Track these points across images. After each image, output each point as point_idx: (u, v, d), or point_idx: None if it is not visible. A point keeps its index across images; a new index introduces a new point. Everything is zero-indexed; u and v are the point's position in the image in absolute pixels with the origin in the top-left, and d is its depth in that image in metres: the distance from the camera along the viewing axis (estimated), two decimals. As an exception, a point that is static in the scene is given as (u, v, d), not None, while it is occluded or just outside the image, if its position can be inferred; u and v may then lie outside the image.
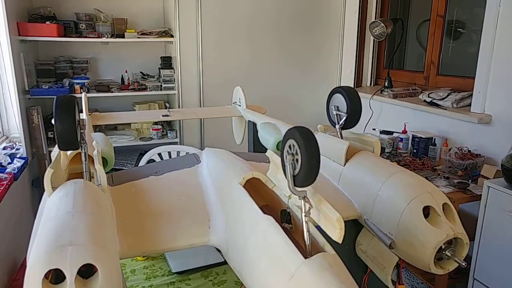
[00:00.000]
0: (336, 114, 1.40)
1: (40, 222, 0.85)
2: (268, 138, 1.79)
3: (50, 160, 2.56)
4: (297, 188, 0.85)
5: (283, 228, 0.87)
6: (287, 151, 0.85)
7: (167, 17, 3.31)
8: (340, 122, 1.39)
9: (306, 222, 0.84)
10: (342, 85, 3.65)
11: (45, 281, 0.71)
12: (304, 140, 0.80)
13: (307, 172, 0.80)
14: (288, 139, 0.85)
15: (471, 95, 2.49)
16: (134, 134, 3.22)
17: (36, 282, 0.69)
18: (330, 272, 0.73)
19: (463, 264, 1.05)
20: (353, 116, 1.37)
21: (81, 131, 1.10)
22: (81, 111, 2.08)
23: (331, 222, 0.82)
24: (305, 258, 0.76)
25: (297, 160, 0.82)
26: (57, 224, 0.79)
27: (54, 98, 1.05)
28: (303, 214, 0.85)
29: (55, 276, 0.74)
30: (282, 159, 0.89)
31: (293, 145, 0.83)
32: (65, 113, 1.01)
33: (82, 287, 0.73)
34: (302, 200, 0.85)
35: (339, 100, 1.40)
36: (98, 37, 2.95)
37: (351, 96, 1.35)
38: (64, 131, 1.01)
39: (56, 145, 1.46)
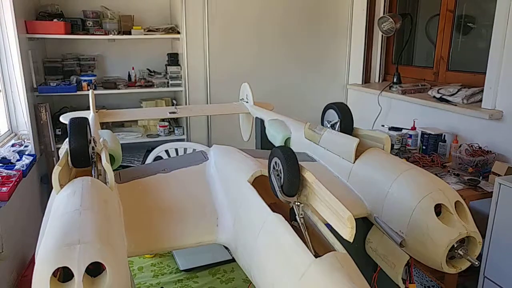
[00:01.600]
0: (331, 125, 1.48)
1: (48, 220, 0.85)
2: (276, 135, 1.78)
3: (58, 157, 2.57)
4: (287, 197, 0.97)
5: (292, 226, 0.86)
6: (273, 168, 1.00)
7: (173, 13, 3.30)
8: (336, 130, 1.46)
9: (302, 224, 0.92)
10: (350, 80, 3.65)
11: (53, 279, 0.70)
12: (285, 157, 0.95)
13: (289, 183, 0.95)
14: (273, 157, 1.00)
15: (482, 91, 2.45)
16: (141, 131, 3.23)
17: (44, 281, 0.69)
18: (341, 272, 0.71)
19: (476, 263, 1.03)
20: (346, 123, 1.43)
21: (93, 150, 1.15)
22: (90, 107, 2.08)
23: (342, 221, 0.81)
24: (316, 257, 0.75)
25: (281, 171, 0.96)
26: (64, 222, 0.79)
27: (68, 120, 1.13)
28: (298, 217, 0.93)
29: (63, 274, 0.73)
30: (269, 175, 1.02)
31: (277, 162, 0.98)
32: (78, 134, 1.08)
33: (90, 286, 0.72)
34: (294, 205, 0.95)
35: (332, 116, 1.48)
36: (105, 34, 2.95)
37: (342, 109, 1.44)
38: (77, 151, 1.08)
39: (65, 142, 1.46)
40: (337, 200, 0.84)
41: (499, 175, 2.06)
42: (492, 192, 1.97)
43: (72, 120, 1.12)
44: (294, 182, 0.94)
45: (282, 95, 3.45)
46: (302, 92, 3.59)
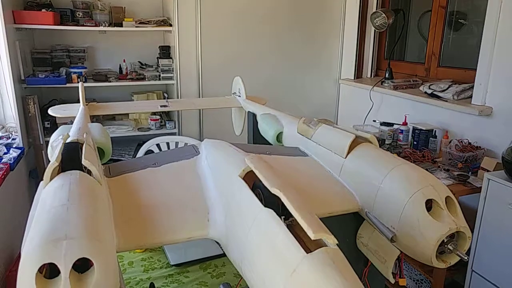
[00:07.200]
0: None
1: (34, 214, 0.83)
2: (268, 130, 1.77)
3: (47, 150, 2.53)
4: None
5: (284, 221, 0.86)
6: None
7: (165, 6, 3.26)
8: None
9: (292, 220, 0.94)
10: (342, 75, 3.65)
11: (39, 275, 0.69)
12: (265, 190, 1.00)
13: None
14: (256, 188, 1.06)
15: (472, 87, 2.47)
16: (132, 125, 3.19)
17: (29, 277, 0.67)
18: (332, 267, 0.71)
19: (466, 258, 1.04)
20: None
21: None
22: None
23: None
24: (307, 252, 0.74)
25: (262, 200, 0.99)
26: (51, 217, 0.77)
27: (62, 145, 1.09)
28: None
29: (50, 270, 0.72)
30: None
31: (260, 193, 1.03)
32: (71, 161, 1.04)
33: (77, 282, 0.71)
34: None
35: None
36: (96, 25, 2.90)
37: None
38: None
39: (54, 134, 1.44)
40: (330, 195, 0.83)
41: (488, 171, 2.08)
42: (481, 187, 1.99)
43: (65, 147, 1.09)
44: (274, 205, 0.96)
45: (275, 90, 3.44)
46: (295, 87, 3.58)
